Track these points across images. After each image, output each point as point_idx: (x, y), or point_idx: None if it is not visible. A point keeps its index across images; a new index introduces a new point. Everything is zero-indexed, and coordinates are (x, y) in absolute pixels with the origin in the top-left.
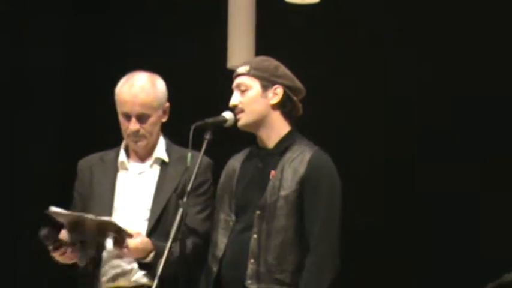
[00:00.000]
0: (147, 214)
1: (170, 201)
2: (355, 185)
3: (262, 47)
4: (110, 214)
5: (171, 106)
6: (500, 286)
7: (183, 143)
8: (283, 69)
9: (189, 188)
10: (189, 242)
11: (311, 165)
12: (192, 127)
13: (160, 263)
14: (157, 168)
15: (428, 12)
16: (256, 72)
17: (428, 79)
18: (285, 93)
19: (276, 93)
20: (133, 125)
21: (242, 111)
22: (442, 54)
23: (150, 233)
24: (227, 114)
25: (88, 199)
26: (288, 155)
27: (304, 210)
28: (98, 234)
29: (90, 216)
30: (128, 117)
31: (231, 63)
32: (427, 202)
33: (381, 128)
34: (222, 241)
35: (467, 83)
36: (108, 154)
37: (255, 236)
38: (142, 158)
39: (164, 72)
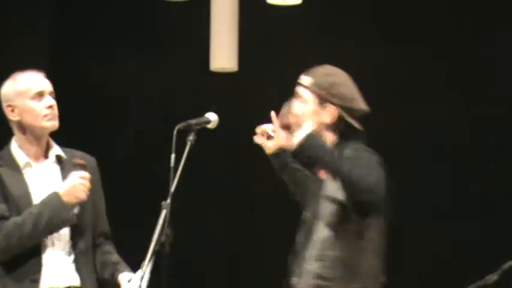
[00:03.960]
0: None
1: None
2: None
3: (245, 48)
4: None
5: (156, 108)
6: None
7: (168, 144)
8: (343, 88)
9: (172, 189)
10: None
11: None
12: (176, 128)
13: (145, 269)
14: (57, 167)
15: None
16: (314, 88)
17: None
18: (337, 113)
19: (329, 113)
20: (51, 100)
21: (297, 122)
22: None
23: (72, 229)
24: (210, 116)
25: (6, 201)
26: None
27: None
28: None
29: None
30: (41, 96)
31: (213, 66)
32: None
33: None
34: (298, 238)
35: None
36: (2, 157)
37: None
38: (39, 157)
39: (150, 74)
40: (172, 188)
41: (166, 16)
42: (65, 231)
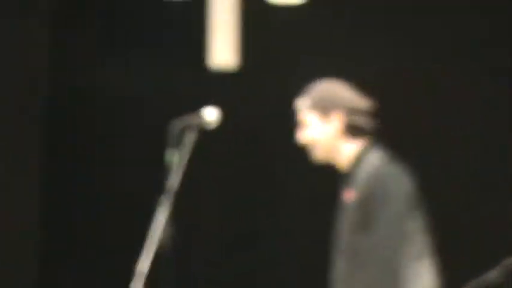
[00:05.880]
0: None
1: None
2: None
3: (245, 47)
4: None
5: (151, 105)
6: (481, 285)
7: (164, 142)
8: (339, 91)
9: (173, 187)
10: None
11: (368, 185)
12: (170, 124)
13: None
14: None
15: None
16: (312, 104)
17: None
18: (344, 117)
19: (335, 120)
20: None
21: (311, 147)
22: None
23: None
24: (205, 111)
25: None
26: (357, 174)
27: None
28: None
29: None
30: None
31: (212, 62)
32: None
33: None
34: None
35: None
36: None
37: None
38: None
39: (147, 70)
40: (173, 185)
41: (166, 15)
42: None
